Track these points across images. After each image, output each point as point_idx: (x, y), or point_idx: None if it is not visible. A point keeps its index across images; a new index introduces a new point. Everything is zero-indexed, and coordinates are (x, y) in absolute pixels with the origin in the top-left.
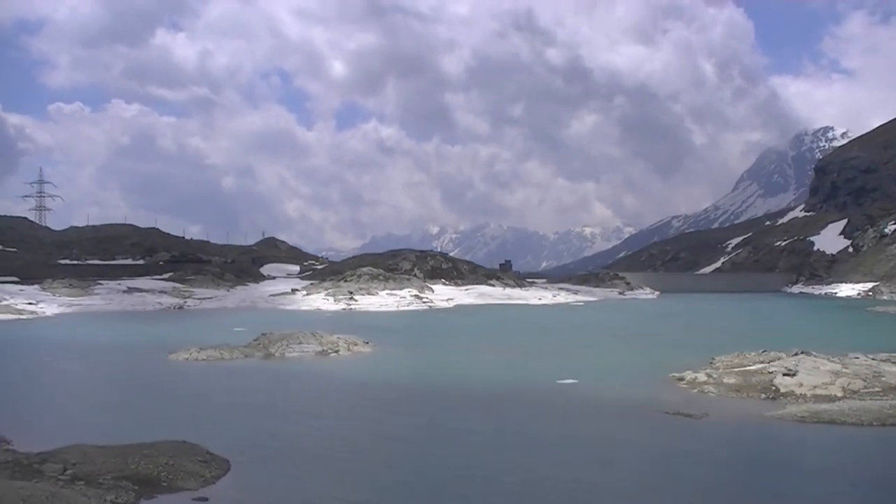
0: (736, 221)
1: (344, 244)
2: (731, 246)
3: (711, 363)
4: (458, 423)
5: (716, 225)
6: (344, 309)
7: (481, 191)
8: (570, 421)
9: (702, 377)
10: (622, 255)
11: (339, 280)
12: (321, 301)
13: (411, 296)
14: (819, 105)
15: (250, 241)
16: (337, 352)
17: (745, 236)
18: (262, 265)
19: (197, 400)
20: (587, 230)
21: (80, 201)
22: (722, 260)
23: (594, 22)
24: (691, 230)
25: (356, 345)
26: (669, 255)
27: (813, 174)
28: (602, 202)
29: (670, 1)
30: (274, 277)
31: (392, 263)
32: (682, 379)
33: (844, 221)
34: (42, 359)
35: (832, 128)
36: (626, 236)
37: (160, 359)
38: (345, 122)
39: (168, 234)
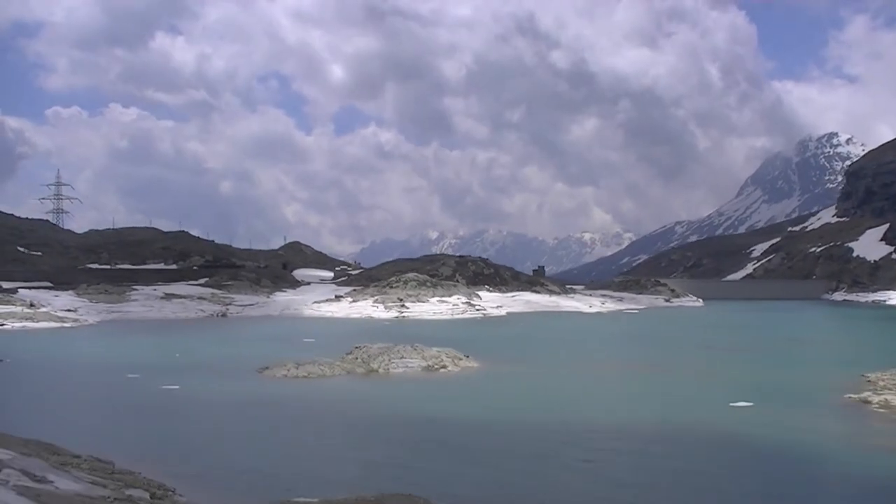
0: (741, 227)
1: (341, 249)
2: (755, 252)
3: (868, 380)
4: (685, 465)
5: (720, 231)
6: (397, 317)
7: (480, 196)
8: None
9: (894, 399)
10: (625, 259)
11: (383, 286)
12: (370, 308)
13: (462, 303)
14: (823, 110)
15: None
16: (444, 367)
17: (772, 242)
18: (291, 270)
19: (365, 431)
20: (586, 236)
21: (78, 206)
22: (752, 266)
23: (596, 26)
24: (704, 237)
25: (460, 359)
26: (691, 261)
27: (844, 179)
28: (601, 207)
29: (672, 5)
30: (308, 283)
31: (431, 269)
32: (868, 402)
33: (885, 227)
34: (127, 376)
35: (837, 133)
36: (625, 242)
37: (255, 377)
38: (343, 126)
39: (198, 237)
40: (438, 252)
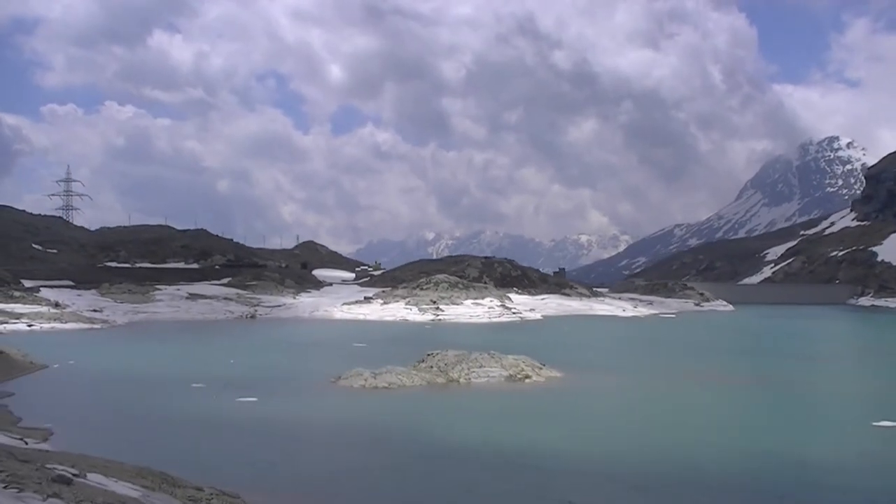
0: (741, 230)
1: (338, 249)
2: (769, 255)
3: None
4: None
5: (720, 234)
6: (432, 320)
7: (477, 197)
8: None
9: None
10: (624, 262)
11: (413, 288)
12: (403, 310)
13: (497, 306)
14: (824, 114)
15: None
16: (528, 377)
17: (788, 246)
18: (310, 270)
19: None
20: (583, 238)
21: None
22: (771, 270)
23: (596, 27)
24: (704, 240)
25: (539, 368)
26: (704, 265)
27: (864, 182)
28: (598, 210)
29: (673, 6)
30: (330, 284)
31: (457, 270)
32: None
33: None
34: (192, 386)
35: (838, 137)
36: (622, 244)
37: (331, 388)
38: (341, 126)
39: (217, 235)
40: (434, 253)
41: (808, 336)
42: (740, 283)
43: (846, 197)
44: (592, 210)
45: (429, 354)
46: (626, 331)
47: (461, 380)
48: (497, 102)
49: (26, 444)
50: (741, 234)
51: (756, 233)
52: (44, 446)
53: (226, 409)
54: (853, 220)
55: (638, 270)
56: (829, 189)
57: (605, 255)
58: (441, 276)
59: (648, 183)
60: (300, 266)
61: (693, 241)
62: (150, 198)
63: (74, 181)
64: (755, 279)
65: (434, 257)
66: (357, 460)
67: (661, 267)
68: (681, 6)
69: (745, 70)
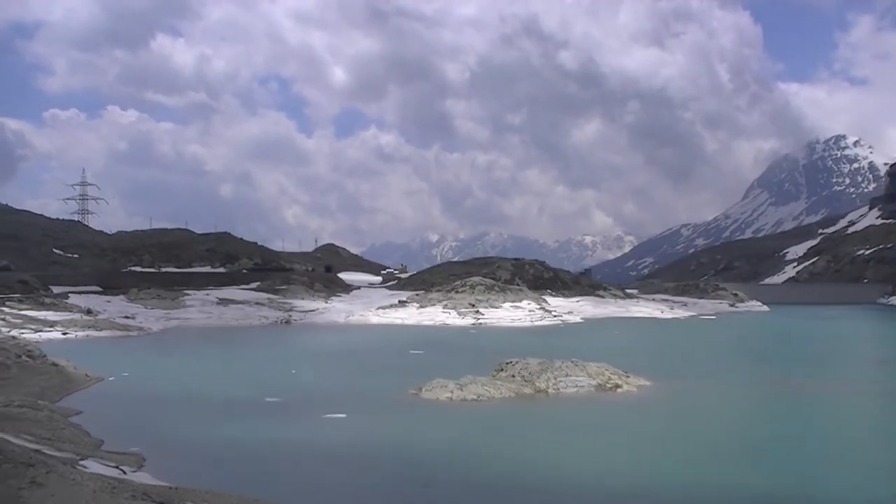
0: (748, 230)
1: None
2: (789, 254)
3: None
4: None
5: (727, 234)
6: (473, 324)
7: (481, 198)
8: None
9: None
10: (630, 262)
11: (448, 291)
12: (442, 314)
13: (537, 309)
14: (831, 113)
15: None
16: (618, 386)
17: (810, 245)
18: (335, 273)
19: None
20: (587, 239)
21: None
22: (795, 269)
23: (600, 27)
24: (711, 239)
25: (626, 376)
26: (722, 265)
27: (887, 179)
28: (602, 210)
29: (677, 5)
30: (358, 287)
31: (488, 272)
32: None
33: None
34: (266, 400)
35: (845, 136)
36: (626, 244)
37: (416, 401)
38: (344, 128)
39: (241, 238)
40: (439, 255)
41: (866, 338)
42: (762, 282)
43: (853, 195)
44: (597, 211)
45: (507, 363)
46: (676, 333)
47: (549, 390)
48: (501, 104)
49: (124, 472)
50: (748, 233)
51: (763, 232)
52: (143, 475)
53: (318, 428)
54: (877, 217)
55: (646, 271)
56: (836, 188)
57: (610, 256)
58: (476, 279)
59: (654, 183)
60: (324, 269)
61: (700, 241)
62: (153, 202)
63: (89, 184)
64: (778, 279)
65: (439, 259)
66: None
67: (677, 267)
68: (685, 5)
69: (751, 69)
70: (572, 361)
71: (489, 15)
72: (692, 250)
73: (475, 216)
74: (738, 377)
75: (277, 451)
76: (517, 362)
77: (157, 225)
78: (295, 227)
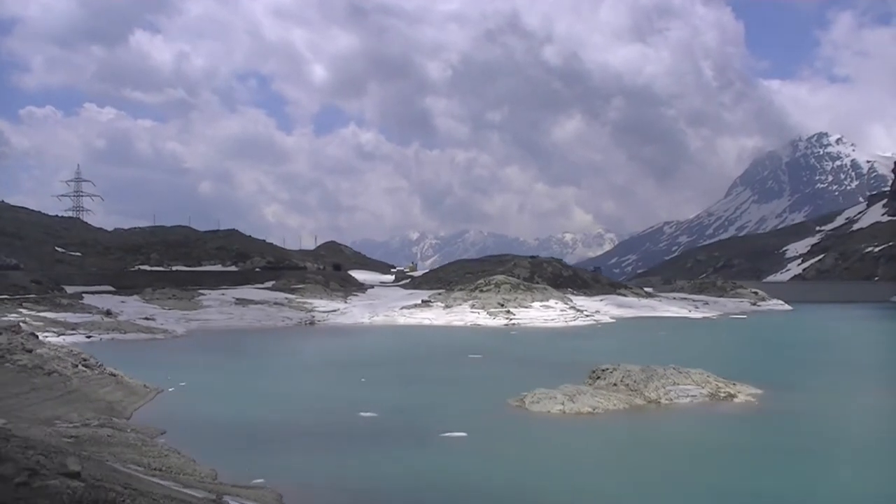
0: (731, 228)
1: None
2: (789, 252)
3: None
4: None
5: (710, 231)
6: (506, 324)
7: (461, 196)
8: None
9: None
10: (614, 260)
11: (472, 290)
12: (471, 314)
13: (569, 308)
14: (813, 110)
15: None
16: (733, 396)
17: (811, 242)
18: (343, 272)
19: None
20: (567, 236)
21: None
22: (800, 267)
23: (583, 23)
24: (695, 237)
25: (734, 384)
26: (721, 262)
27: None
28: (581, 207)
29: (658, 2)
30: (372, 286)
31: (505, 270)
32: None
33: None
34: (360, 415)
35: (827, 134)
36: (606, 242)
37: (524, 414)
38: (324, 126)
39: (250, 236)
40: (419, 253)
41: None
42: (765, 280)
43: (836, 193)
44: (576, 208)
45: (603, 369)
46: (726, 335)
47: (662, 400)
48: (481, 101)
49: None
50: (731, 230)
51: (746, 230)
52: None
53: (449, 452)
54: (883, 214)
55: (629, 269)
56: (819, 185)
57: (591, 254)
58: (501, 277)
59: (635, 180)
60: (333, 268)
61: (684, 239)
62: (131, 200)
63: (85, 181)
64: (782, 277)
65: (419, 257)
66: None
67: (671, 265)
68: (667, 1)
69: (734, 66)
70: (674, 368)
71: (471, 11)
72: (676, 248)
73: (455, 214)
74: (842, 384)
75: (434, 485)
76: (615, 369)
77: (135, 224)
78: (274, 224)
